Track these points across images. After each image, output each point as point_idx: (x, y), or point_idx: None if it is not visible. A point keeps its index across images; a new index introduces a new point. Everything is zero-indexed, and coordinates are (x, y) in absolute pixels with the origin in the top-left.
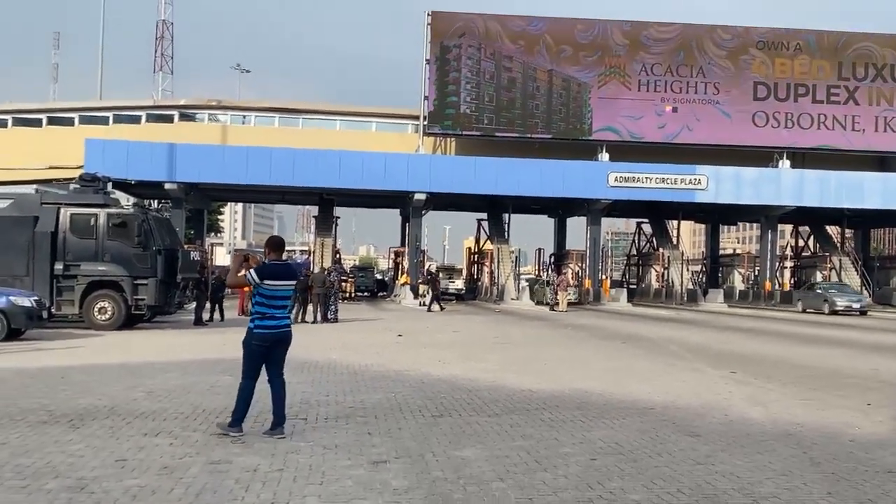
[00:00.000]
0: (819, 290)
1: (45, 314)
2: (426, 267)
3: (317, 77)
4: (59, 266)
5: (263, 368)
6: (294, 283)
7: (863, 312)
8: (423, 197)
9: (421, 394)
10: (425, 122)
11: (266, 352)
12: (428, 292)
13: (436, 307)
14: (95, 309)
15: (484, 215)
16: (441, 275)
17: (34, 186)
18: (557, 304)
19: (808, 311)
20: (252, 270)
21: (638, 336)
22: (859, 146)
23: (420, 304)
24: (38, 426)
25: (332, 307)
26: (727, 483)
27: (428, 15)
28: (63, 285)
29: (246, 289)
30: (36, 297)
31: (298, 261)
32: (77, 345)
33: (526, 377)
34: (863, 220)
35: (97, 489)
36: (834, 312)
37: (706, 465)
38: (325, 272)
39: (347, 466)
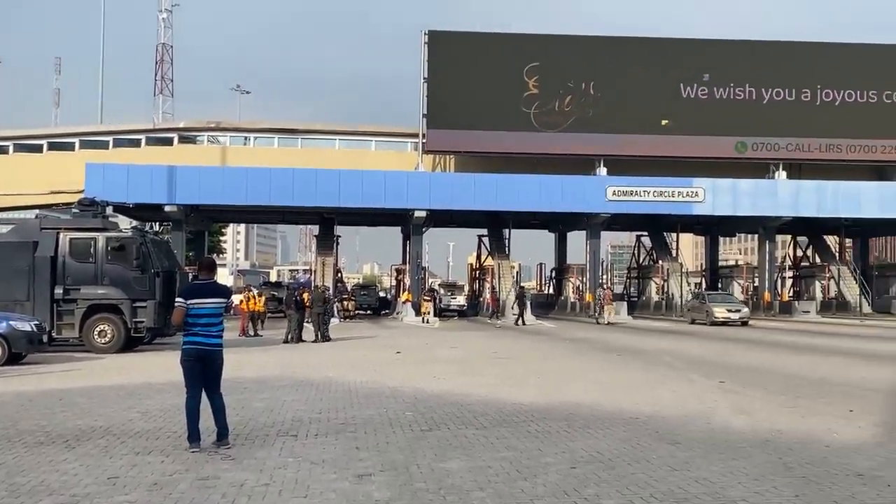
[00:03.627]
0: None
1: (45, 338)
2: (428, 284)
3: (317, 98)
4: (58, 290)
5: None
6: (222, 301)
7: (744, 323)
8: (423, 214)
9: (413, 409)
10: (424, 140)
11: (196, 367)
12: (430, 310)
13: (530, 319)
14: (95, 332)
15: (485, 231)
16: (442, 291)
17: (35, 212)
18: (601, 316)
19: (695, 321)
20: (179, 294)
21: (635, 348)
22: (856, 156)
23: (423, 322)
24: (34, 447)
25: (326, 326)
26: (699, 488)
27: (425, 34)
28: (63, 309)
29: (245, 309)
30: (36, 322)
31: (301, 280)
32: (77, 368)
33: (519, 391)
34: (861, 229)
35: None
36: (713, 323)
37: (682, 472)
38: (322, 291)
39: (333, 480)
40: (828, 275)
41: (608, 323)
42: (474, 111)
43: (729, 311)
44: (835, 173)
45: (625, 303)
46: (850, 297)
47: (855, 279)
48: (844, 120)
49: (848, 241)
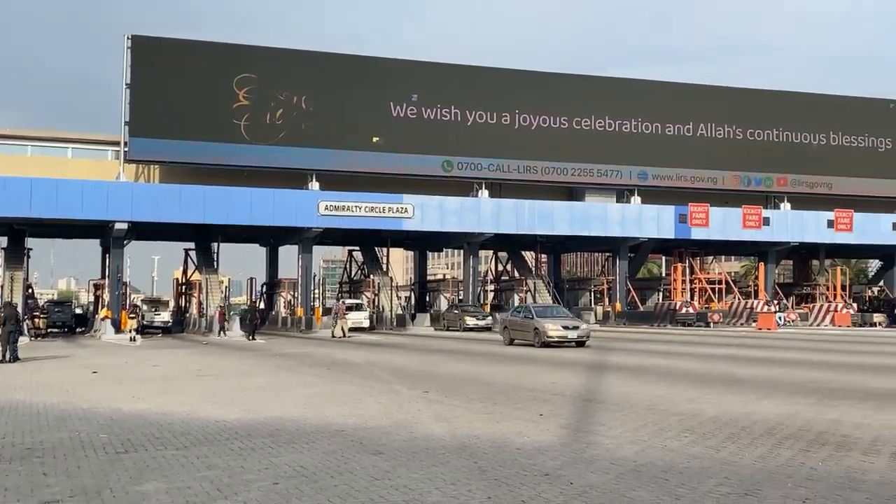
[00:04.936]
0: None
1: None
2: (130, 300)
3: (8, 102)
4: None
5: None
6: None
7: (580, 344)
8: (124, 226)
9: (108, 431)
10: (126, 149)
11: None
12: (132, 329)
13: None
14: None
15: (192, 244)
16: (146, 307)
17: None
18: (339, 329)
19: (516, 342)
20: None
21: (344, 362)
22: (550, 178)
23: (131, 340)
24: None
25: (14, 345)
26: (399, 495)
27: (128, 39)
28: None
29: None
30: None
31: None
32: None
33: (223, 408)
34: (554, 246)
35: None
36: (545, 345)
37: (383, 481)
38: (14, 308)
39: None
40: (525, 287)
41: (342, 336)
42: (181, 120)
43: (566, 328)
44: (531, 193)
45: None
46: None
47: (549, 291)
48: (539, 143)
49: (543, 257)
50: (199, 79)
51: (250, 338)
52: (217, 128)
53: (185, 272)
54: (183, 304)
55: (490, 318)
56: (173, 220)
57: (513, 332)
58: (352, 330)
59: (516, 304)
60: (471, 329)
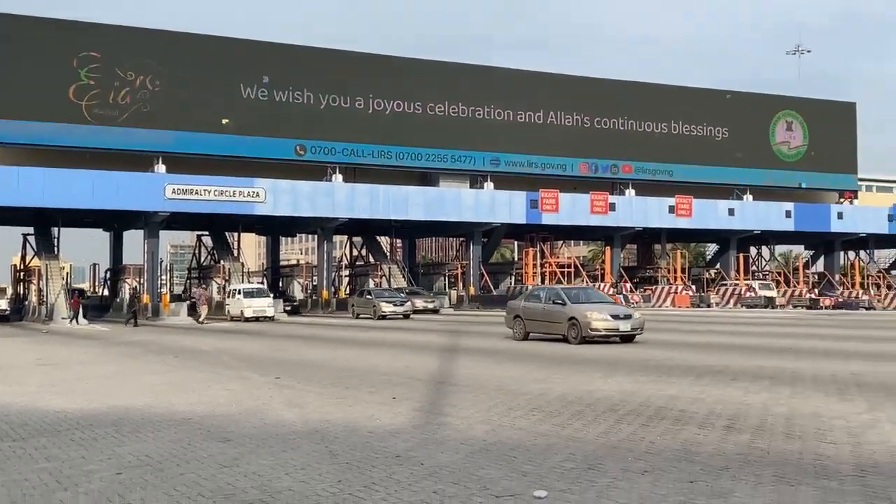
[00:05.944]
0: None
1: None
2: None
3: None
4: None
5: None
6: None
7: (626, 338)
8: None
9: None
10: None
11: None
12: None
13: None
14: None
15: (31, 229)
16: None
17: None
18: (200, 316)
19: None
20: None
21: (193, 349)
22: (404, 163)
23: None
24: None
25: None
26: (248, 482)
27: None
28: None
29: None
30: None
31: None
32: None
33: (64, 398)
34: (409, 230)
35: None
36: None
37: (231, 468)
38: None
39: None
40: (380, 273)
41: (202, 322)
42: (18, 99)
43: (615, 317)
44: (386, 178)
45: (185, 304)
46: None
47: (404, 277)
48: (394, 128)
49: (398, 242)
50: (38, 56)
51: (131, 324)
52: (57, 108)
53: (23, 258)
54: (21, 292)
55: (409, 303)
56: (10, 203)
57: (530, 322)
58: (257, 320)
59: (371, 287)
60: (386, 317)
